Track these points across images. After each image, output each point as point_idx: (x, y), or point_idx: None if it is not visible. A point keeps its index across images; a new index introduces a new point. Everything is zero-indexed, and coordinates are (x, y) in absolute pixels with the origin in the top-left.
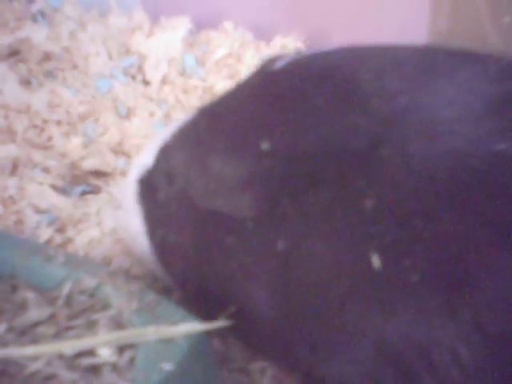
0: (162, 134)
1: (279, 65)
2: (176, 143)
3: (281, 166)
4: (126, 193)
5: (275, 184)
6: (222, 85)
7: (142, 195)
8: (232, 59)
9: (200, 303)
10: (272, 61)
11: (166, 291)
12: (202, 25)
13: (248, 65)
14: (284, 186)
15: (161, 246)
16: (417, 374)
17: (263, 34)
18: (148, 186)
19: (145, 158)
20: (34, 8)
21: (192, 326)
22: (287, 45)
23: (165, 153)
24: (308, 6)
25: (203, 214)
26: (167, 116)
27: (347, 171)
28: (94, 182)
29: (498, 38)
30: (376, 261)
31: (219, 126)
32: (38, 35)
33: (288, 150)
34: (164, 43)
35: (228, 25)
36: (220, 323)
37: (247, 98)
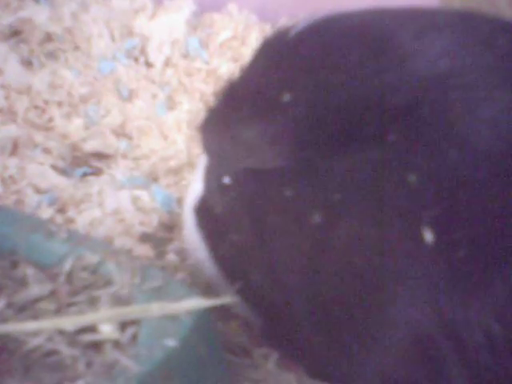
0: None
1: (297, 29)
2: (208, 121)
3: (308, 118)
4: (186, 224)
5: (304, 138)
6: (225, 67)
7: (200, 219)
8: (236, 42)
9: (260, 305)
10: (283, 31)
11: (169, 270)
12: (205, 7)
13: (252, 47)
14: (313, 141)
15: (223, 258)
16: (446, 357)
17: (268, 17)
18: (203, 209)
19: (196, 185)
20: None
21: (195, 303)
22: None
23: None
24: None
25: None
26: (170, 98)
27: (385, 131)
28: (96, 163)
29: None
30: (428, 235)
31: (239, 93)
32: (39, 16)
33: (313, 96)
34: (167, 25)
35: (232, 7)
36: (224, 300)
37: (263, 60)
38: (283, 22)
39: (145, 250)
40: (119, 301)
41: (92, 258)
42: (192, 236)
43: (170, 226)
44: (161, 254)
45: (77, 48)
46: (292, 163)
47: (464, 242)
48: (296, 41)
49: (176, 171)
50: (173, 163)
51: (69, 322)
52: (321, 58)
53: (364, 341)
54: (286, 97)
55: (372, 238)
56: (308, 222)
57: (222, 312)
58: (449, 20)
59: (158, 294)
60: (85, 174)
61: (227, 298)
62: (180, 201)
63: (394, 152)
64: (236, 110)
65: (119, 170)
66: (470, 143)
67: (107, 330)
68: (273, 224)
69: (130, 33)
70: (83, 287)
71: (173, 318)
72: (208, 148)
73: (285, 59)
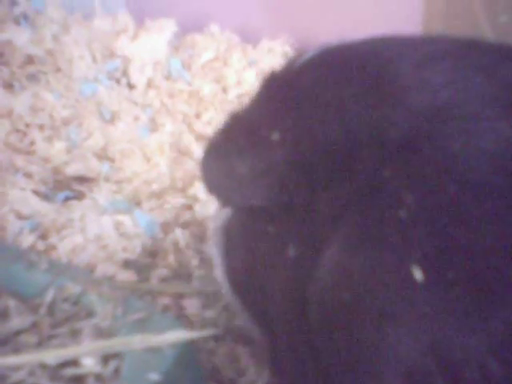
0: None
1: (299, 62)
2: (207, 154)
3: (295, 151)
4: (211, 242)
5: (293, 175)
6: (208, 88)
7: (218, 238)
8: (218, 62)
9: (263, 321)
10: (290, 63)
11: (151, 299)
12: (187, 28)
13: (235, 68)
14: (303, 176)
15: (232, 277)
16: None
17: (250, 37)
18: (221, 228)
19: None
20: (17, 10)
21: (179, 335)
22: (274, 48)
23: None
24: (296, 9)
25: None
26: (152, 120)
27: (379, 165)
28: (78, 187)
29: (495, 38)
30: (418, 273)
31: (237, 126)
32: (20, 38)
33: (301, 136)
34: (149, 46)
35: (214, 28)
36: (206, 332)
37: (261, 95)
38: (265, 42)
39: (128, 277)
40: (101, 333)
41: (73, 289)
42: (213, 252)
43: (154, 252)
44: (144, 280)
45: (58, 70)
46: (276, 202)
47: (459, 280)
48: (294, 74)
49: (159, 195)
50: (156, 186)
51: (51, 356)
52: (314, 93)
53: (355, 377)
54: (276, 135)
55: (360, 273)
56: (295, 257)
57: (208, 343)
58: (450, 49)
59: (141, 325)
60: (67, 199)
61: (211, 330)
62: (163, 225)
63: (386, 188)
64: (233, 142)
65: (102, 194)
66: (470, 178)
67: (89, 364)
68: (261, 259)
69: (111, 54)
70: (65, 319)
71: (156, 350)
72: (207, 180)
73: (281, 94)
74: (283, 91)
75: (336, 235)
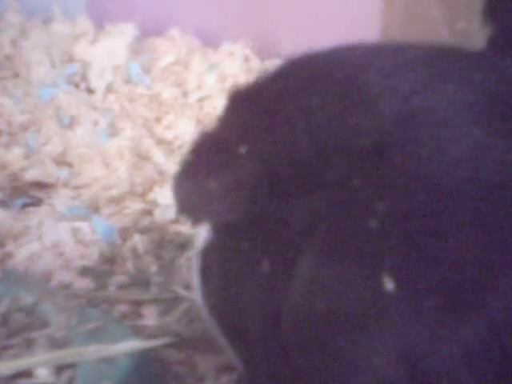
0: None
1: (266, 75)
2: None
3: (262, 164)
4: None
5: (262, 188)
6: (168, 92)
7: (197, 262)
8: (179, 66)
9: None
10: (258, 77)
11: (109, 306)
12: (147, 32)
13: (195, 72)
14: (272, 189)
15: (209, 301)
16: None
17: (210, 41)
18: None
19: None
20: None
21: (134, 344)
22: (235, 52)
23: None
24: (256, 13)
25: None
26: (112, 125)
27: (349, 174)
28: (36, 193)
29: (452, 42)
30: (389, 283)
31: (207, 144)
32: None
33: (268, 148)
34: (109, 50)
35: (174, 31)
36: (160, 341)
37: (229, 111)
38: (226, 46)
39: (85, 284)
40: (55, 343)
41: (28, 299)
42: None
43: (111, 259)
44: (102, 288)
45: (16, 75)
46: (244, 216)
47: (431, 290)
48: (259, 88)
49: (118, 200)
50: (114, 192)
51: (5, 367)
52: (280, 104)
53: None
54: (243, 149)
55: (333, 285)
56: (264, 270)
57: (165, 351)
58: (419, 56)
59: (96, 335)
60: (24, 205)
61: (167, 339)
62: (122, 231)
63: (357, 197)
64: (203, 160)
65: (60, 200)
66: (441, 186)
67: (43, 374)
68: (236, 278)
69: (70, 59)
70: (19, 329)
71: (110, 360)
72: (179, 200)
73: (246, 108)
74: (249, 105)
75: (309, 247)
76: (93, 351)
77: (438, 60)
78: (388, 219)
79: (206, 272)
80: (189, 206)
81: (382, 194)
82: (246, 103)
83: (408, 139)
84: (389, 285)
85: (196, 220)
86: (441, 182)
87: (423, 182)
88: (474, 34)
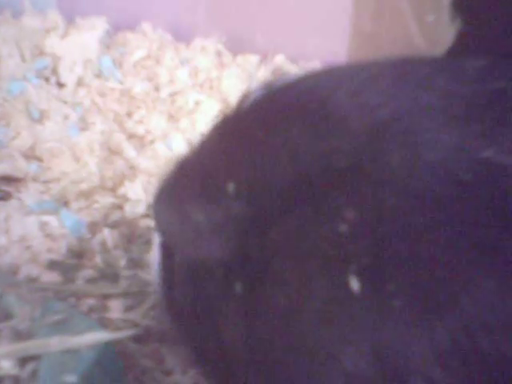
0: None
1: (248, 101)
2: (160, 198)
3: (250, 204)
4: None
5: (245, 225)
6: (139, 87)
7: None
8: (150, 61)
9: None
10: (244, 99)
11: (76, 300)
12: (119, 26)
13: (167, 66)
14: (253, 225)
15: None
16: None
17: (183, 36)
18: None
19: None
20: None
21: (97, 336)
22: (207, 47)
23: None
24: (228, 7)
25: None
26: (82, 119)
27: (324, 194)
28: (4, 187)
29: (422, 37)
30: (355, 284)
31: (190, 172)
32: None
33: (256, 187)
34: (79, 44)
35: (146, 26)
36: (125, 333)
37: (213, 140)
38: (198, 41)
39: (52, 278)
40: (19, 335)
41: None
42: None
43: (80, 252)
44: (69, 281)
45: None
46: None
47: (399, 291)
48: (242, 119)
49: (87, 194)
50: (84, 186)
51: None
52: (263, 138)
53: None
54: (231, 186)
55: (302, 288)
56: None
57: (132, 344)
58: (384, 70)
59: (60, 327)
60: None
61: (132, 331)
62: (91, 225)
63: (329, 209)
64: (187, 189)
65: (29, 194)
66: (410, 189)
67: (6, 366)
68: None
69: (40, 53)
70: None
71: (74, 352)
72: (159, 224)
73: (232, 141)
74: (234, 138)
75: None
76: (56, 343)
77: (402, 70)
78: (357, 224)
79: (167, 274)
80: (171, 234)
81: (351, 201)
82: (231, 135)
83: (379, 150)
84: (355, 285)
85: (178, 249)
86: (411, 187)
87: (393, 188)
88: (443, 27)
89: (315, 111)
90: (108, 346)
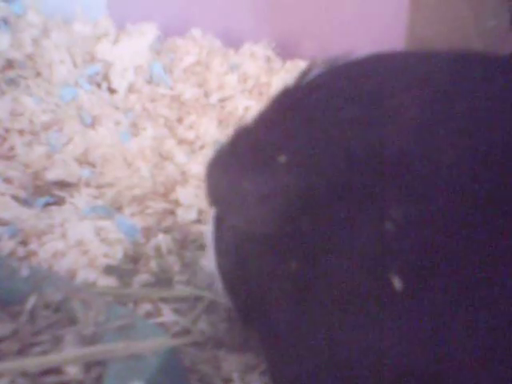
0: None
1: (306, 77)
2: (212, 166)
3: (300, 178)
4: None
5: (294, 199)
6: (190, 93)
7: (214, 228)
8: (200, 67)
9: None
10: (305, 72)
11: (134, 304)
12: (169, 32)
13: (216, 72)
14: (304, 201)
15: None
16: None
17: (232, 41)
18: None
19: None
20: None
21: (162, 342)
22: (256, 52)
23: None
24: (278, 13)
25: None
26: (133, 125)
27: (372, 185)
28: (58, 193)
29: (481, 43)
30: (397, 282)
31: (244, 141)
32: (0, 42)
33: (307, 163)
34: (130, 50)
35: (196, 32)
36: (191, 338)
37: (270, 112)
38: (247, 46)
39: (109, 283)
40: (84, 340)
41: (55, 295)
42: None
43: (135, 257)
44: (126, 286)
45: (38, 74)
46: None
47: (441, 290)
48: (301, 95)
49: (140, 200)
50: (137, 191)
51: (32, 364)
52: (318, 116)
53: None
54: (282, 158)
55: (346, 283)
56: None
57: (190, 350)
58: (443, 64)
59: (124, 332)
60: (47, 204)
61: (194, 337)
62: (145, 230)
63: (375, 202)
64: (240, 157)
65: (82, 199)
66: (458, 188)
67: (72, 371)
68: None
69: (92, 59)
70: (46, 326)
71: (139, 358)
72: (209, 191)
73: (289, 114)
74: (291, 112)
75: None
76: (122, 348)
77: (463, 67)
78: (403, 222)
79: (219, 240)
80: (221, 200)
81: (399, 198)
82: (289, 109)
83: (430, 148)
84: (397, 283)
85: (226, 215)
86: (458, 184)
87: (440, 186)
88: (503, 33)
89: (370, 97)
90: (171, 351)
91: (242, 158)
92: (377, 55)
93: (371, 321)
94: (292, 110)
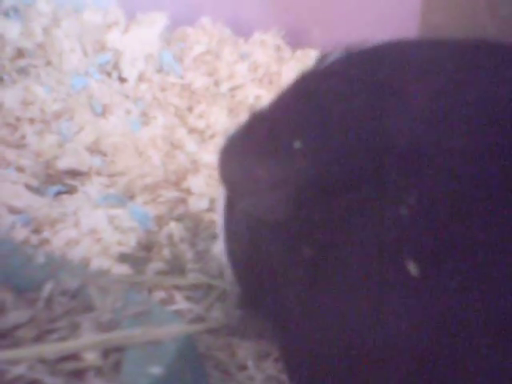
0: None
1: (323, 64)
2: (226, 149)
3: (314, 165)
4: (217, 207)
5: (309, 186)
6: (200, 82)
7: (224, 214)
8: (210, 56)
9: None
10: (323, 59)
11: (148, 291)
12: (179, 21)
13: (227, 61)
14: (318, 188)
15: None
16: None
17: (242, 30)
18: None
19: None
20: (7, 3)
21: (179, 328)
22: (266, 41)
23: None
24: (288, 2)
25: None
26: (144, 114)
27: (386, 172)
28: (70, 181)
29: (495, 30)
30: (413, 267)
31: (259, 125)
32: (10, 31)
33: (322, 150)
34: (140, 40)
35: (206, 21)
36: (208, 325)
37: (286, 98)
38: (257, 35)
39: (123, 270)
40: (101, 327)
41: (71, 282)
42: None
43: (148, 245)
44: (140, 274)
45: (49, 63)
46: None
47: (456, 275)
48: (318, 80)
49: (152, 188)
50: (149, 180)
51: (50, 350)
52: (333, 103)
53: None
54: (298, 144)
55: (360, 269)
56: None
57: (205, 336)
58: (456, 53)
59: (141, 319)
60: (59, 193)
61: (210, 323)
62: (157, 219)
63: (390, 189)
64: (254, 142)
65: (94, 188)
66: (470, 175)
67: (90, 358)
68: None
69: (102, 48)
70: (63, 313)
71: (157, 344)
72: (222, 174)
73: (305, 101)
74: (307, 98)
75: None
76: (140, 335)
77: (476, 55)
78: (416, 207)
79: (229, 223)
80: (234, 183)
81: (413, 184)
82: (303, 96)
83: (441, 135)
84: (413, 269)
85: (239, 199)
86: (469, 171)
87: (452, 171)
88: None
89: (384, 84)
90: (188, 337)
91: (257, 143)
92: (391, 43)
93: (386, 306)
94: (307, 96)
